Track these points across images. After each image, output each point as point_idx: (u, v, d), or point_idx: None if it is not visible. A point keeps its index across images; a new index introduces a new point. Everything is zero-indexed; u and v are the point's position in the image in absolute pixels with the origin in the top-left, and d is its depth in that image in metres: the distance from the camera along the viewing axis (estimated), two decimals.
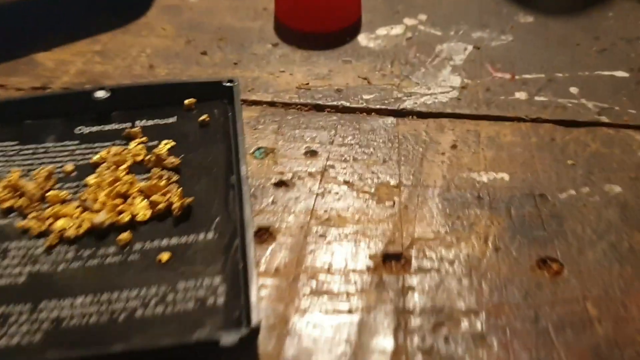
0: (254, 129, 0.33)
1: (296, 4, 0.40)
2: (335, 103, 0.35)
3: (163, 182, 0.27)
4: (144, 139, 0.31)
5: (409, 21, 0.42)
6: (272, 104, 0.35)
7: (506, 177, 0.30)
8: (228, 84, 0.32)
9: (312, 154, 0.32)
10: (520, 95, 0.36)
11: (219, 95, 0.32)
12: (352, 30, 0.42)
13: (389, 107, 0.35)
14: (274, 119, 0.34)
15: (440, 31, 0.41)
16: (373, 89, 0.36)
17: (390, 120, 0.34)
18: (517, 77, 0.37)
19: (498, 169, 0.31)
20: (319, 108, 0.35)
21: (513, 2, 0.44)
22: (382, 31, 0.41)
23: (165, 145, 0.30)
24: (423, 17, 0.43)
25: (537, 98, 0.35)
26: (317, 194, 0.29)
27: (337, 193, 0.29)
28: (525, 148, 0.32)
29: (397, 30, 0.41)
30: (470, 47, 0.40)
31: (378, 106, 0.35)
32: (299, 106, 0.35)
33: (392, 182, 0.30)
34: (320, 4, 0.40)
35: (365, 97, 0.36)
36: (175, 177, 0.28)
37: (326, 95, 0.36)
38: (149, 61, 0.38)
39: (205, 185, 0.28)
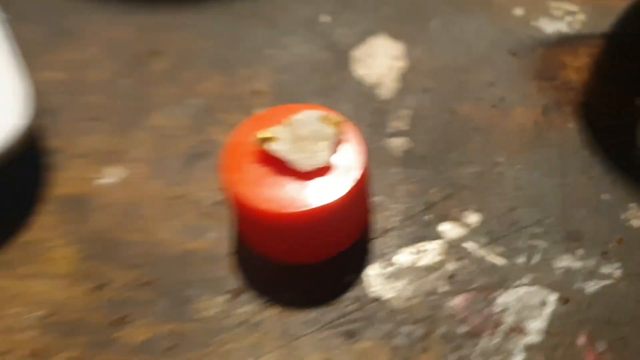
0: None
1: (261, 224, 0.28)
2: None
3: None
4: None
5: (449, 229, 0.30)
6: None
7: None
8: None
9: None
10: None
11: None
12: (355, 250, 0.31)
13: None
14: None
15: (502, 255, 0.29)
16: None
17: None
18: None
19: None
20: None
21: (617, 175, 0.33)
22: (405, 256, 0.30)
23: None
24: (473, 218, 0.30)
25: None
26: None
27: None
28: None
29: (430, 255, 0.30)
30: (552, 299, 0.28)
31: None
32: None
33: None
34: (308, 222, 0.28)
35: None
36: None
37: None
38: None
39: None
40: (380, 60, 0.37)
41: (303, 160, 0.28)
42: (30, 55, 0.37)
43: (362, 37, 0.38)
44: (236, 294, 0.30)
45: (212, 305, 0.29)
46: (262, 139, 0.28)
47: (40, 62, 0.38)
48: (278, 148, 0.28)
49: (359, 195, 0.28)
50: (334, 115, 0.28)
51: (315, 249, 0.29)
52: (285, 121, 0.28)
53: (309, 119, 0.28)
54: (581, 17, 0.39)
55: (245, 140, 0.29)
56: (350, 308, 0.29)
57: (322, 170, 0.28)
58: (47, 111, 0.36)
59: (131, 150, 0.34)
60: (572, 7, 0.39)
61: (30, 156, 0.34)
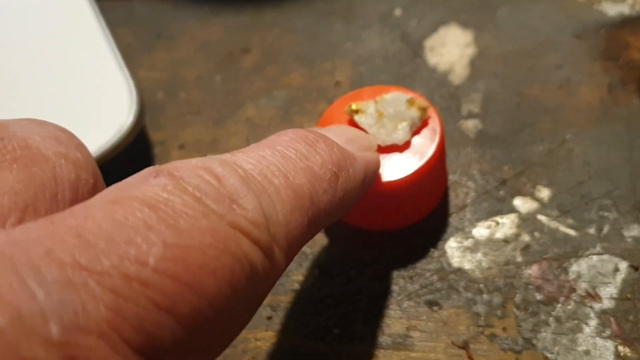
0: None
1: None
2: None
3: None
4: None
5: (523, 204, 0.30)
6: None
7: None
8: None
9: None
10: None
11: None
12: (434, 225, 0.31)
13: None
14: None
15: (573, 227, 0.29)
16: None
17: None
18: None
19: None
20: None
21: None
22: (482, 230, 0.29)
23: None
24: (545, 193, 0.30)
25: None
26: None
27: None
28: None
29: (505, 227, 0.29)
30: (623, 266, 0.27)
31: None
32: None
33: None
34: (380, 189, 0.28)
35: None
36: None
37: None
38: None
39: None
40: (451, 49, 0.37)
41: (381, 136, 0.28)
42: (132, 57, 0.38)
43: (433, 27, 0.38)
44: (324, 270, 0.30)
45: (304, 279, 0.30)
46: (352, 110, 0.28)
47: (141, 62, 0.39)
48: (363, 120, 0.28)
49: (432, 173, 0.28)
50: (421, 101, 0.29)
51: (388, 219, 0.30)
52: (375, 98, 0.29)
53: (396, 100, 0.29)
54: None
55: (340, 110, 0.29)
56: (432, 279, 0.29)
57: (399, 147, 0.28)
58: (150, 107, 0.37)
59: (226, 140, 0.35)
60: None
61: (137, 148, 0.35)
